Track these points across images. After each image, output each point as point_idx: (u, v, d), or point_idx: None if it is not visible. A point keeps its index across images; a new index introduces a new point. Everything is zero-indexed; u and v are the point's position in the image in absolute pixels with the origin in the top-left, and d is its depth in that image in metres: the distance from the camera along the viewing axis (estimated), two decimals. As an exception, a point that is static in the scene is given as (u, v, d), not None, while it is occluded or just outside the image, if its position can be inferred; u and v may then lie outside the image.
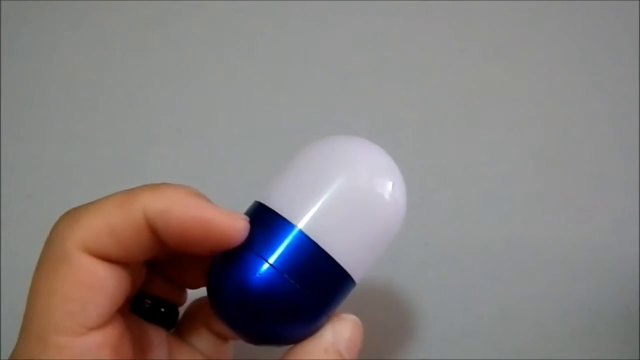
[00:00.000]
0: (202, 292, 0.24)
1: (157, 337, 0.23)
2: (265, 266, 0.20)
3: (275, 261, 0.20)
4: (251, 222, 0.21)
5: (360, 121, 0.38)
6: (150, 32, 0.39)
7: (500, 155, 0.38)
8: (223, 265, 0.21)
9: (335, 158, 0.22)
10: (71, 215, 0.20)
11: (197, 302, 0.26)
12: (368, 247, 0.22)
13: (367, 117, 0.39)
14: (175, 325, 0.25)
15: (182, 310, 0.26)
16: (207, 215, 0.19)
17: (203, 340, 0.25)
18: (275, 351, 0.23)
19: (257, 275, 0.20)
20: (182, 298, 0.26)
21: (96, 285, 0.19)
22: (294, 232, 0.21)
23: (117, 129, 0.38)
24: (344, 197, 0.21)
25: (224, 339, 0.25)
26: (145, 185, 0.20)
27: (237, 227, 0.20)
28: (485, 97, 0.38)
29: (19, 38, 0.39)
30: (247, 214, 0.22)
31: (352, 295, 0.23)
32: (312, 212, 0.21)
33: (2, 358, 0.38)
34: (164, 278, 0.24)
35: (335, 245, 0.21)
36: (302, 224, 0.21)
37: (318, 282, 0.21)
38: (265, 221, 0.21)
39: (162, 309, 0.24)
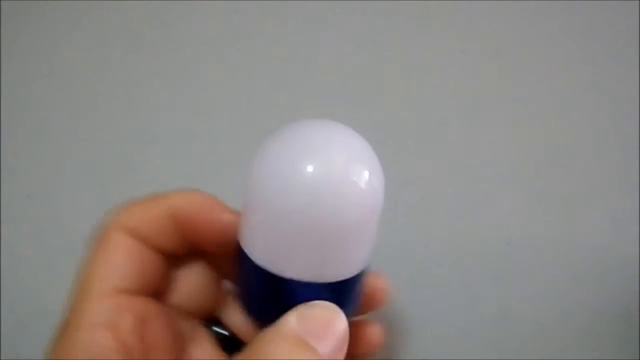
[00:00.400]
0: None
1: (208, 344, 0.24)
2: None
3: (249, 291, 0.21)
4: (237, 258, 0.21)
5: (360, 121, 0.38)
6: (150, 32, 0.39)
7: (500, 155, 0.38)
8: (237, 277, 0.22)
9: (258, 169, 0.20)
10: (114, 208, 0.23)
11: None
12: (334, 252, 0.19)
13: (367, 117, 0.39)
14: None
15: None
16: (212, 212, 0.23)
17: None
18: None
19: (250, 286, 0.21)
20: None
21: (127, 252, 0.21)
22: (253, 266, 0.20)
23: (117, 129, 0.38)
24: (278, 216, 0.19)
25: None
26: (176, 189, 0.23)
27: (222, 219, 0.23)
28: (485, 97, 0.38)
29: (19, 38, 0.39)
30: None
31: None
32: (260, 241, 0.19)
33: (2, 358, 0.38)
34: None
35: (292, 269, 0.19)
36: (254, 255, 0.19)
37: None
38: (241, 256, 0.21)
39: (236, 346, 0.24)
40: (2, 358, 0.38)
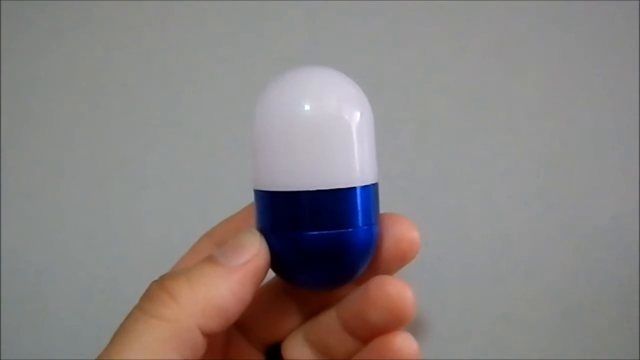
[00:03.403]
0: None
1: None
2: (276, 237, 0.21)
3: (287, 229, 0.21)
4: (257, 207, 0.22)
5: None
6: (150, 32, 0.39)
7: (500, 155, 0.38)
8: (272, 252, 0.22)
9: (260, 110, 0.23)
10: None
11: None
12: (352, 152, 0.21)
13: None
14: None
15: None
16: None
17: None
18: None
19: (282, 248, 0.21)
20: None
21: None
22: (276, 195, 0.21)
23: (117, 130, 0.38)
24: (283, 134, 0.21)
25: None
26: None
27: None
28: (485, 97, 0.38)
29: (19, 38, 0.39)
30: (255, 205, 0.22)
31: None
32: (270, 170, 0.21)
33: (2, 358, 0.38)
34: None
35: (299, 180, 0.21)
36: (277, 183, 0.21)
37: (330, 214, 0.21)
38: (258, 201, 0.22)
39: None
40: (2, 358, 0.38)
